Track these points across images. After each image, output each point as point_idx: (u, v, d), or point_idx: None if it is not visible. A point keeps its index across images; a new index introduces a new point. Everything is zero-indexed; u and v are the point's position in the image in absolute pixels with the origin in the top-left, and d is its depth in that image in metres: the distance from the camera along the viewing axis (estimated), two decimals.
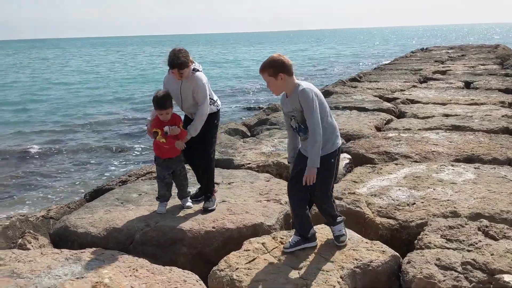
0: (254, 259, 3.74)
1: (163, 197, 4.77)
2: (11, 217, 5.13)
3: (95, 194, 6.34)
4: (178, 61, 4.36)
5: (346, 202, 4.85)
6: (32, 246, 4.38)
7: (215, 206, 4.80)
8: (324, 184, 3.72)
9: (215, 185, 5.07)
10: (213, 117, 4.77)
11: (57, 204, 6.24)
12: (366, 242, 3.99)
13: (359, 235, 4.16)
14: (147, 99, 22.16)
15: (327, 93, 14.68)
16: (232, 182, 5.63)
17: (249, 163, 6.51)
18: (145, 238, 4.35)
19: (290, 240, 3.89)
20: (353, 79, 17.37)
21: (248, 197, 5.09)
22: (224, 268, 3.66)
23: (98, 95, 24.46)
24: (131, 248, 4.33)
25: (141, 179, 6.61)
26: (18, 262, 3.82)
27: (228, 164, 6.62)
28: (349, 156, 6.64)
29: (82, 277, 3.54)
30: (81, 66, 47.98)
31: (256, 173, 5.99)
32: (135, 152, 12.25)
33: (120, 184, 6.45)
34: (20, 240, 4.49)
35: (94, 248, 4.07)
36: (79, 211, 5.01)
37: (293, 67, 3.58)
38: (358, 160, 6.66)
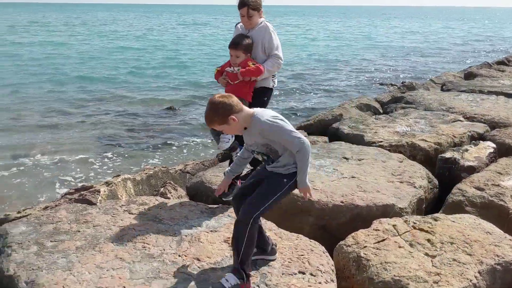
0: (383, 240, 3.63)
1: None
2: (154, 167, 5.61)
3: (227, 155, 6.64)
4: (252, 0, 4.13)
5: (488, 194, 4.47)
6: (171, 196, 4.74)
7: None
8: (264, 195, 3.07)
9: None
10: (265, 93, 4.42)
11: (193, 160, 6.66)
12: (510, 240, 3.64)
13: (501, 231, 3.82)
14: None
15: (469, 75, 13.55)
16: (363, 159, 5.48)
17: (380, 141, 6.28)
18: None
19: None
20: (501, 62, 15.79)
21: (379, 176, 4.93)
22: (351, 244, 3.61)
23: None
24: None
25: None
26: (160, 209, 4.17)
27: (358, 140, 6.45)
28: (493, 145, 6.07)
29: (216, 231, 3.74)
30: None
31: (388, 152, 5.77)
32: None
33: None
34: (162, 189, 4.89)
35: (227, 205, 4.27)
36: (213, 169, 5.28)
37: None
38: (504, 150, 6.07)
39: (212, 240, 3.59)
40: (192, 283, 3.06)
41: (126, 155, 9.24)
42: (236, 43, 4.15)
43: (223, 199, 4.12)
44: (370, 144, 6.25)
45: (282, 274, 3.19)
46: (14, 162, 8.71)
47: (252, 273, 3.13)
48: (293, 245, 3.58)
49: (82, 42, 35.01)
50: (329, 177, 4.86)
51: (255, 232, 3.06)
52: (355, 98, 11.42)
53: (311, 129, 8.30)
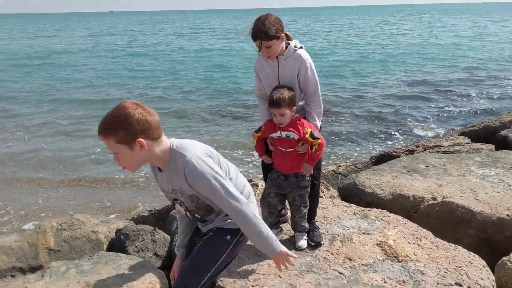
0: None
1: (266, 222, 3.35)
2: None
3: (381, 158, 6.56)
4: (263, 28, 3.09)
5: None
6: (324, 195, 4.87)
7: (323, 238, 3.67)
8: (202, 264, 2.46)
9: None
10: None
11: (345, 162, 6.72)
12: None
13: None
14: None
15: None
16: None
17: None
18: (431, 210, 4.30)
19: None
20: None
21: None
22: None
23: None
24: (414, 217, 4.35)
25: (429, 151, 6.49)
26: None
27: None
28: None
29: (368, 233, 3.76)
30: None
31: None
32: (419, 125, 11.99)
33: (407, 153, 6.49)
34: None
35: (380, 210, 4.25)
36: (367, 172, 5.27)
37: None
38: None
39: (365, 242, 3.63)
40: (344, 281, 3.14)
41: None
42: (278, 101, 3.13)
43: None
44: None
45: (437, 284, 3.09)
46: None
47: (405, 278, 3.10)
48: (451, 255, 3.43)
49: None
50: (494, 188, 4.51)
51: None
52: None
53: (475, 135, 7.72)
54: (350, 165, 6.43)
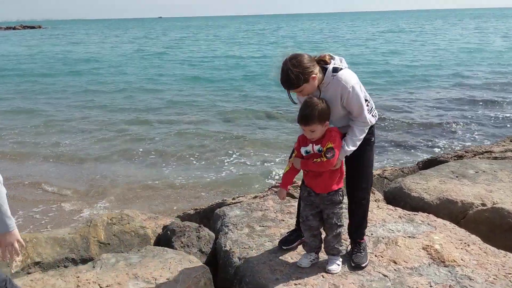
0: None
1: (306, 246, 3.41)
2: None
3: (429, 163, 6.41)
4: (288, 80, 2.94)
5: None
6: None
7: (367, 260, 3.37)
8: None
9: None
10: (369, 132, 3.23)
11: (392, 166, 6.61)
12: None
13: None
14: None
15: None
16: None
17: None
18: (480, 216, 4.18)
19: None
20: None
21: None
22: None
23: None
24: (462, 222, 4.24)
25: (478, 157, 6.30)
26: None
27: None
28: None
29: (414, 237, 3.70)
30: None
31: None
32: (468, 130, 11.62)
33: (455, 158, 6.32)
34: None
35: (427, 214, 4.17)
36: (413, 176, 5.18)
37: None
38: None
39: (410, 245, 3.57)
40: (389, 283, 3.11)
41: None
42: (307, 117, 2.96)
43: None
44: None
45: None
46: (228, 159, 9.92)
47: (452, 283, 3.04)
48: (500, 262, 3.33)
49: None
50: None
51: None
52: None
53: None
54: (396, 170, 6.32)
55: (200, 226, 4.18)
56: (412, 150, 10.03)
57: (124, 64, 29.47)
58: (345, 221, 3.43)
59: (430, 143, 10.61)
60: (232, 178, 8.61)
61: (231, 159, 9.80)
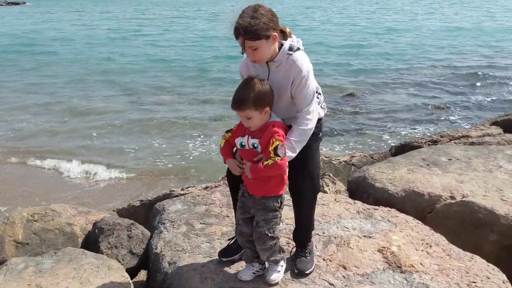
0: None
1: (244, 255, 2.88)
2: None
3: (401, 149, 5.98)
4: (248, 23, 2.35)
5: None
6: (329, 189, 4.37)
7: (313, 266, 2.91)
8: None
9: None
10: (316, 126, 2.69)
11: (361, 152, 6.17)
12: None
13: None
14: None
15: None
16: None
17: None
18: (448, 210, 3.75)
19: None
20: None
21: None
22: None
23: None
24: (429, 217, 3.82)
25: (454, 142, 5.88)
26: None
27: None
28: None
29: (370, 237, 3.25)
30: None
31: None
32: (454, 112, 11.18)
33: (429, 143, 5.89)
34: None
35: (389, 209, 3.72)
36: (380, 164, 4.73)
37: None
38: None
39: (364, 247, 3.12)
40: None
41: None
42: (240, 100, 2.46)
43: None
44: None
45: None
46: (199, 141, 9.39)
47: None
48: (464, 267, 2.90)
49: None
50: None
51: None
52: None
53: (509, 125, 6.99)
54: (365, 156, 5.88)
55: (133, 223, 3.69)
56: (389, 135, 9.57)
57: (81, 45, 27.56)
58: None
59: (409, 126, 10.18)
60: (195, 164, 8.11)
61: (196, 143, 9.28)
